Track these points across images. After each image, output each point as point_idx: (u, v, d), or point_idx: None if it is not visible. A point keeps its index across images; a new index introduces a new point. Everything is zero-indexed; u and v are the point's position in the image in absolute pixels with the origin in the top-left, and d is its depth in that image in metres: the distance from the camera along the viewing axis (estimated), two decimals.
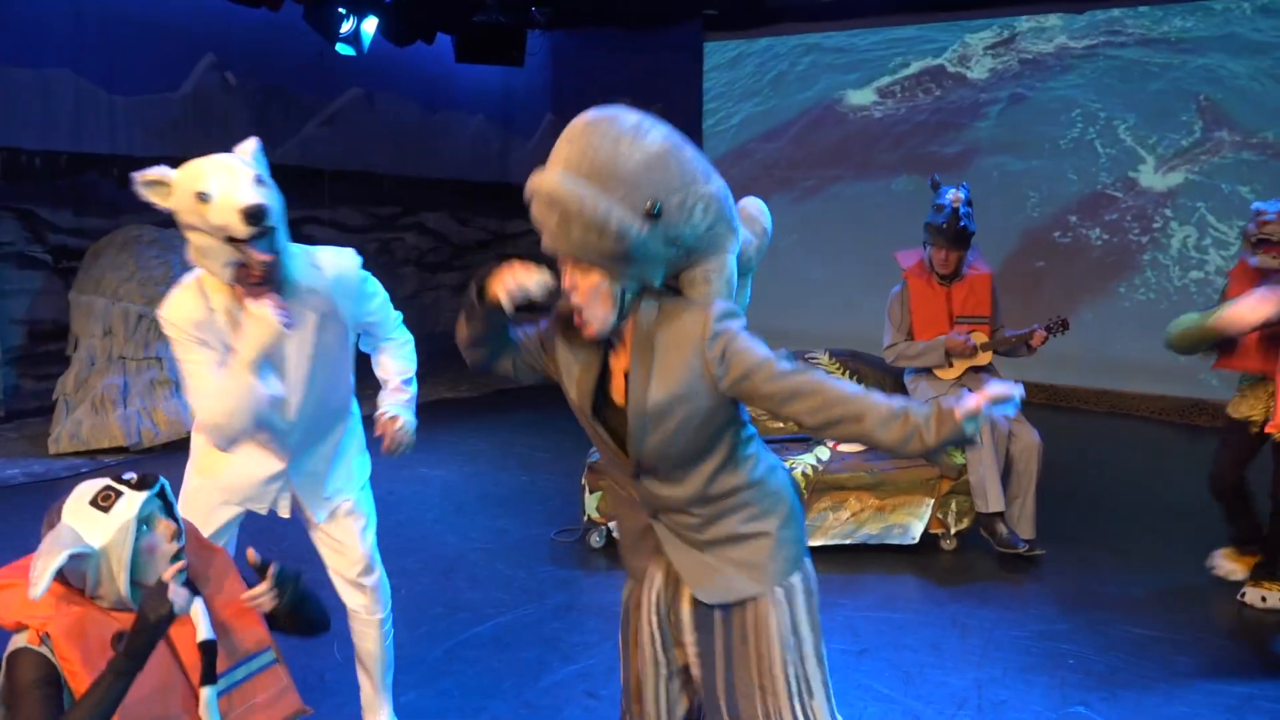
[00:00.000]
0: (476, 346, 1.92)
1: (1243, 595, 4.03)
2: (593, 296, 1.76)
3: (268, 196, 2.25)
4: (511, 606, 3.95)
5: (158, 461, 5.93)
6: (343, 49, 8.01)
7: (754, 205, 2.00)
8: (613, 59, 10.89)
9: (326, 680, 3.28)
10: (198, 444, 2.61)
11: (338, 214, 9.37)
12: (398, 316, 2.73)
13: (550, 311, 1.93)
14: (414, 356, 2.76)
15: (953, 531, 4.57)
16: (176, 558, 1.94)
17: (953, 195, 4.51)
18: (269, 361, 2.36)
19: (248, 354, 2.29)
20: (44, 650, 1.80)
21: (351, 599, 2.75)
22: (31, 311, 6.98)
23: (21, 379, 6.96)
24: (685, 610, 2.00)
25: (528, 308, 1.79)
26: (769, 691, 1.89)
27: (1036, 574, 4.36)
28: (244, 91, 8.42)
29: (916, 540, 4.54)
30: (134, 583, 1.89)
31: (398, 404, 2.68)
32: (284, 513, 2.63)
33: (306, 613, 2.12)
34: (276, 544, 4.10)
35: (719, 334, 1.76)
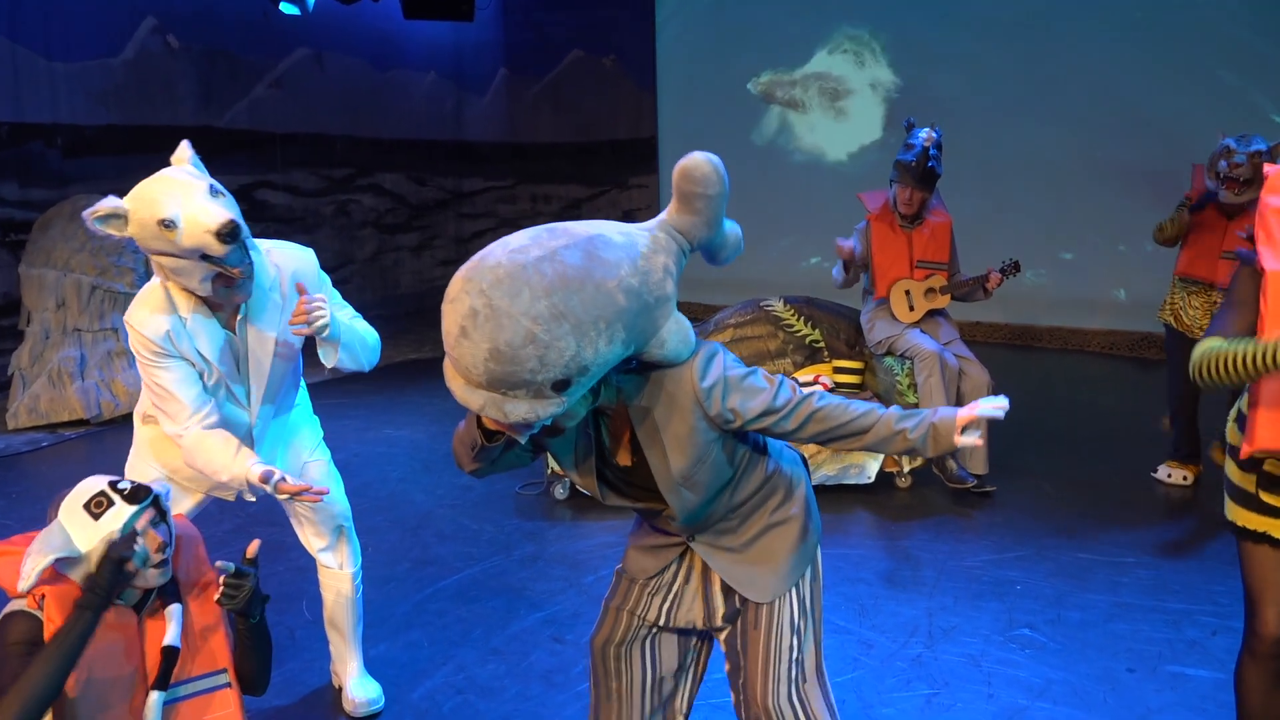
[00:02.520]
0: (480, 468, 1.89)
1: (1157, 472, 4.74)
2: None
3: (230, 206, 2.26)
4: (478, 559, 4.03)
5: (119, 433, 5.91)
6: (287, 8, 7.88)
7: (686, 177, 1.72)
8: (564, 12, 10.78)
9: (296, 637, 3.35)
10: (151, 434, 2.62)
11: (291, 177, 9.25)
12: (356, 316, 2.71)
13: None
14: (375, 342, 2.69)
15: (906, 470, 4.70)
16: (161, 568, 2.00)
17: (925, 135, 4.58)
18: (231, 367, 2.44)
19: (204, 362, 2.38)
20: (38, 613, 1.90)
21: (324, 555, 2.82)
22: None
23: None
24: (716, 589, 2.06)
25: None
26: (771, 679, 1.98)
27: (988, 507, 4.51)
28: (188, 55, 8.25)
29: (872, 479, 4.67)
30: None
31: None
32: (249, 496, 2.67)
33: (256, 635, 2.15)
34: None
35: (710, 392, 1.78)
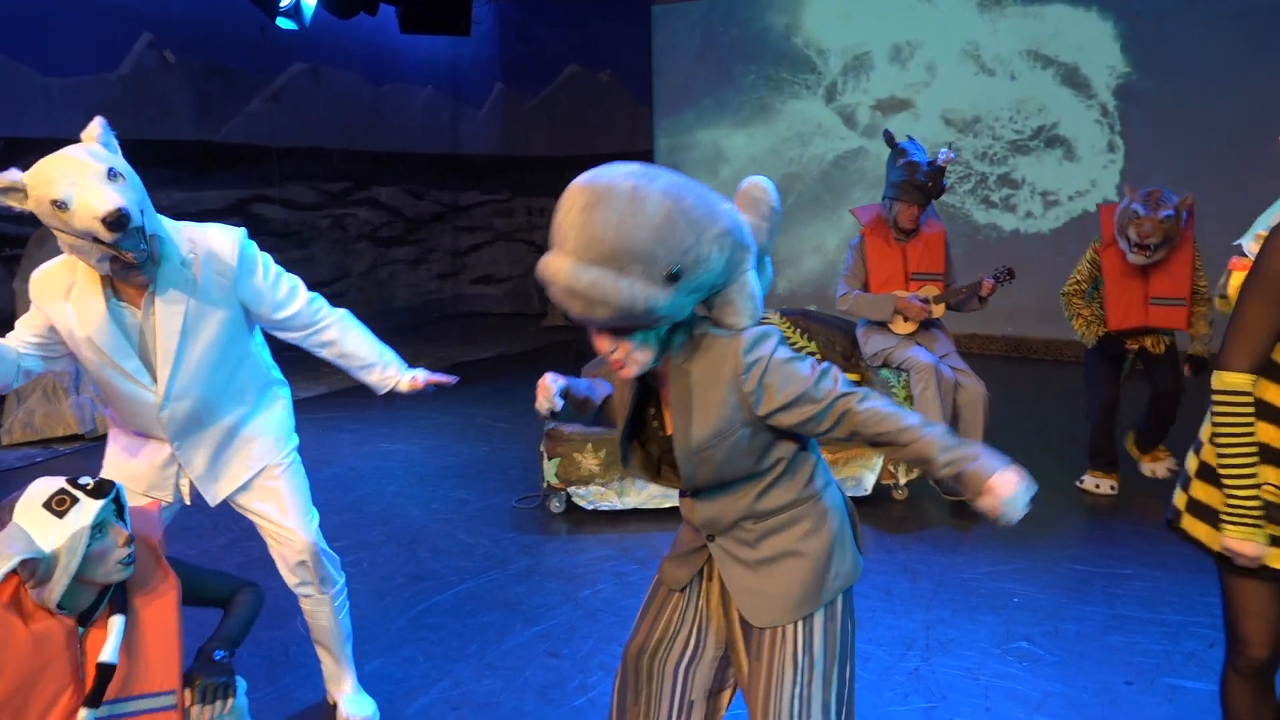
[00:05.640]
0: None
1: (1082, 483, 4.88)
2: (628, 353, 1.80)
3: (124, 191, 2.20)
4: (474, 573, 4.01)
5: None
6: (284, 23, 7.89)
7: (757, 187, 1.88)
8: (560, 27, 10.83)
9: (290, 654, 3.33)
10: (109, 435, 2.68)
11: (287, 191, 9.27)
12: (300, 286, 2.66)
13: (588, 403, 2.05)
14: (365, 327, 2.74)
15: (903, 482, 4.70)
16: (128, 562, 1.97)
17: (944, 157, 4.63)
18: (122, 344, 2.41)
19: (78, 334, 2.39)
20: None
21: (295, 583, 2.75)
22: None
23: None
24: (735, 617, 2.03)
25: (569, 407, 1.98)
26: (771, 714, 1.91)
27: (985, 520, 4.48)
28: (184, 70, 8.28)
29: (869, 491, 4.66)
30: (78, 579, 1.93)
31: (401, 366, 2.70)
32: (187, 499, 2.66)
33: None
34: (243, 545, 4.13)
35: (752, 366, 1.78)
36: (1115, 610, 3.55)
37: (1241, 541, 1.96)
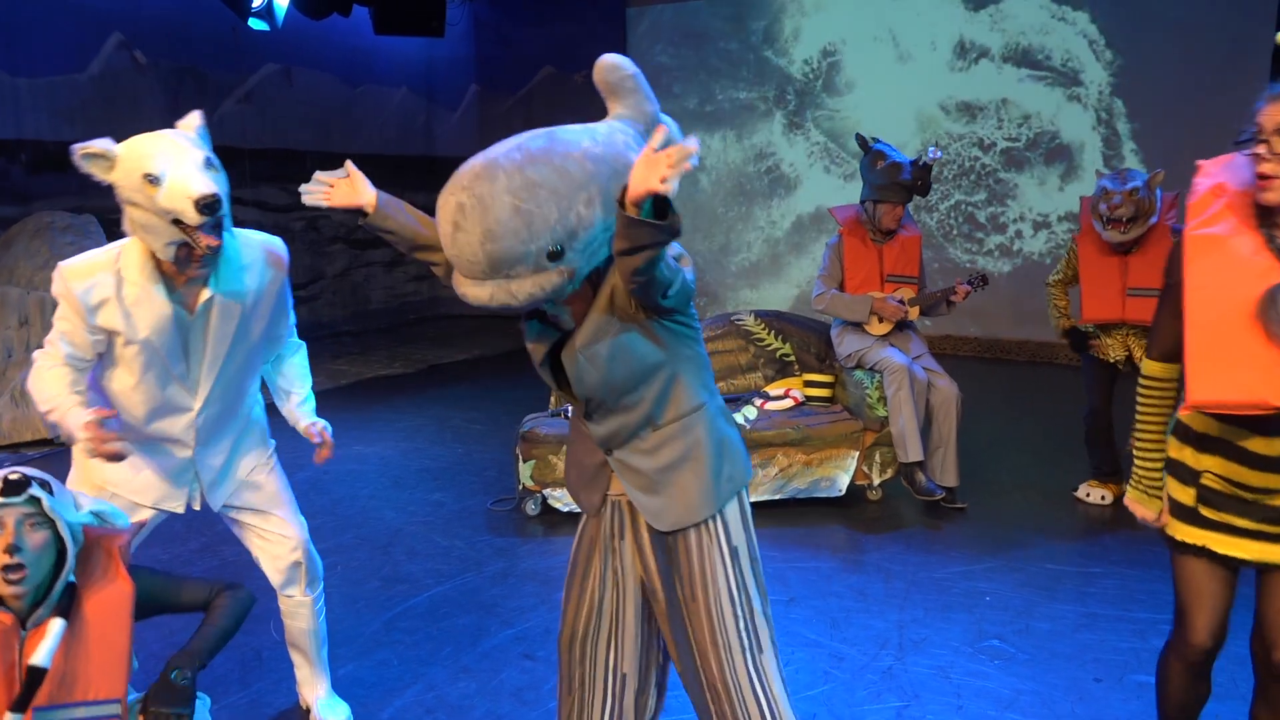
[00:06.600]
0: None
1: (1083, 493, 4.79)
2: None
3: (219, 181, 2.23)
4: (449, 576, 4.00)
5: None
6: (255, 24, 7.84)
7: (607, 69, 1.89)
8: (535, 28, 10.82)
9: (264, 658, 3.30)
10: (78, 459, 2.55)
11: (260, 193, 9.20)
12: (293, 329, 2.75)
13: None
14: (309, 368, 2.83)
15: (877, 482, 4.72)
16: (9, 581, 1.89)
17: (932, 155, 4.63)
18: (176, 346, 2.36)
19: (138, 336, 2.31)
20: None
21: (280, 583, 2.74)
22: None
23: None
24: (645, 537, 2.08)
25: None
26: (723, 648, 1.98)
27: (959, 519, 4.54)
28: (155, 70, 8.20)
29: (843, 492, 4.69)
30: None
31: (312, 412, 2.73)
32: (196, 505, 2.63)
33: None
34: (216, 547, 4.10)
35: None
36: (1087, 608, 3.59)
37: (1136, 504, 2.24)
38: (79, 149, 2.20)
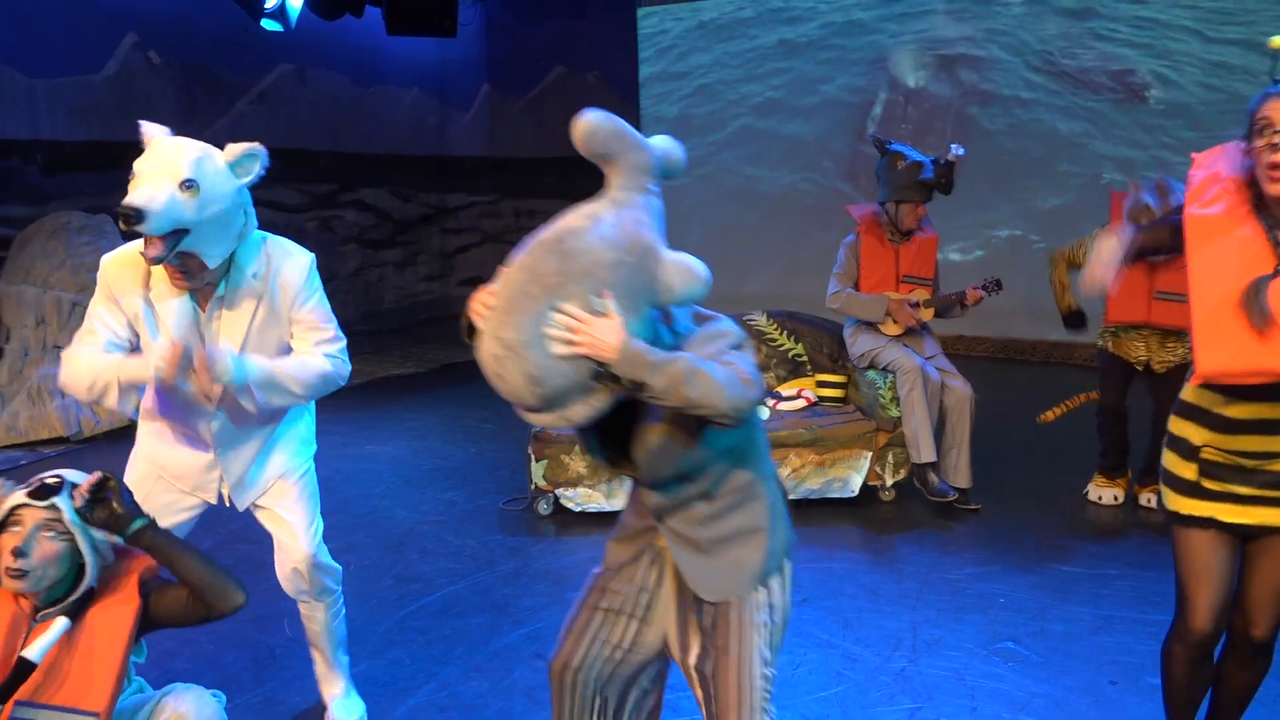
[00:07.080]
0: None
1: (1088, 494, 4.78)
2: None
3: (175, 203, 2.18)
4: (461, 575, 4.00)
5: (99, 451, 5.87)
6: (269, 25, 7.87)
7: (586, 129, 1.89)
8: (547, 27, 10.83)
9: (277, 656, 3.32)
10: (141, 429, 2.63)
11: (273, 193, 9.23)
12: (337, 336, 2.58)
13: None
14: (320, 381, 2.54)
15: (890, 483, 4.71)
16: (14, 575, 1.91)
17: (955, 152, 4.59)
18: (193, 342, 2.38)
19: (160, 328, 2.35)
20: None
21: (294, 589, 2.74)
22: None
23: None
24: (689, 592, 2.03)
25: None
26: (747, 708, 1.93)
27: (972, 519, 4.52)
28: (169, 71, 8.24)
29: (856, 492, 4.67)
30: None
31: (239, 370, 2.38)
32: (227, 502, 2.67)
33: (163, 544, 2.04)
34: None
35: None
36: (1101, 611, 3.57)
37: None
38: (143, 125, 2.32)
